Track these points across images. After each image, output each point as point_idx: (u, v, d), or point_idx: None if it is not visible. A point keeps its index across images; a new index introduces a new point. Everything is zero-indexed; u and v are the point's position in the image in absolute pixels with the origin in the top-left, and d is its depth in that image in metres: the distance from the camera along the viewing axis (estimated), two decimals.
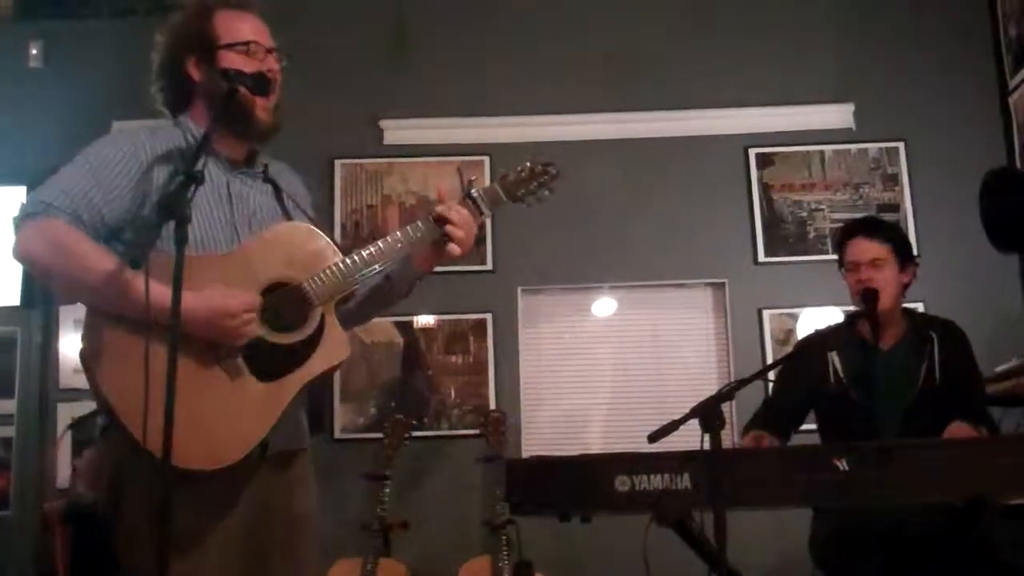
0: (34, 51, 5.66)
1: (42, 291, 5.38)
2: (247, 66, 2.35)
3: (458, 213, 2.45)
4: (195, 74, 2.41)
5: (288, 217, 2.46)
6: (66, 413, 5.14)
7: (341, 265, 2.34)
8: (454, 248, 2.42)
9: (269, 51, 2.43)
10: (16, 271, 5.47)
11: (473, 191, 2.52)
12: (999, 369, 4.28)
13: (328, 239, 2.40)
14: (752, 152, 5.54)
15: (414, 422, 5.07)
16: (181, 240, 1.96)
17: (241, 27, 2.41)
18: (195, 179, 2.02)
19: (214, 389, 2.17)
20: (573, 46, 5.65)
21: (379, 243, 2.41)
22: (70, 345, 5.32)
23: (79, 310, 2.29)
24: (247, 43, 2.39)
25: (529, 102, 5.57)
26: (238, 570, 2.26)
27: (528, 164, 2.60)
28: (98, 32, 5.69)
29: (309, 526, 2.43)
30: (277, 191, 2.49)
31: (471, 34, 5.70)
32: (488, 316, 5.39)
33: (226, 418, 2.17)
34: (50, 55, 5.70)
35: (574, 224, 5.40)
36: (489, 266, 5.43)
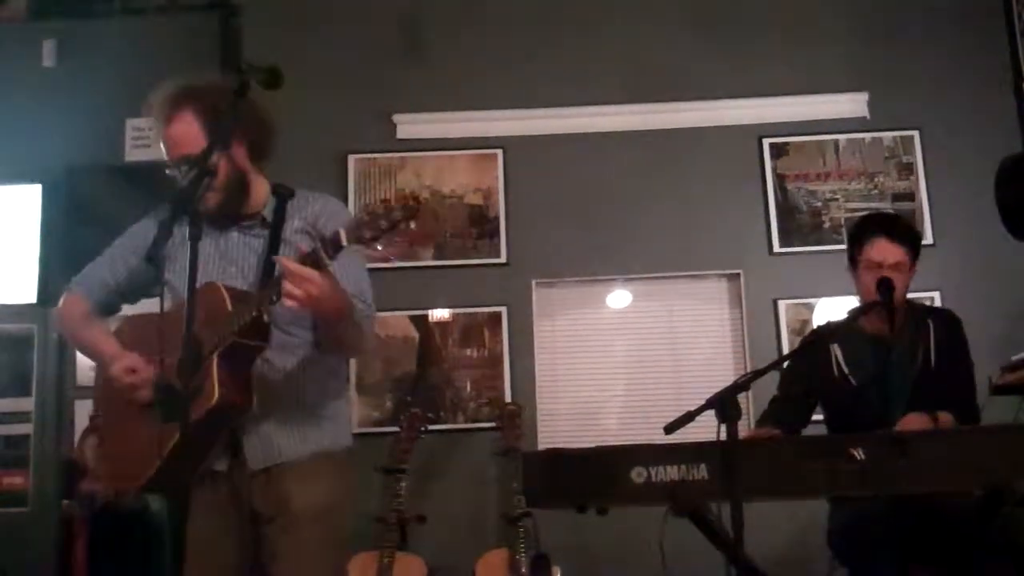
0: (48, 50, 5.68)
1: (59, 289, 5.40)
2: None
3: (294, 266, 2.30)
4: None
5: (265, 271, 2.59)
6: (83, 410, 5.16)
7: (228, 320, 2.45)
8: (287, 301, 2.30)
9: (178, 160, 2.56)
10: (32, 269, 5.50)
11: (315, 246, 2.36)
12: (1016, 358, 4.26)
13: (230, 296, 2.47)
14: (766, 142, 5.52)
15: (430, 416, 5.07)
16: (196, 236, 2.18)
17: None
18: (207, 172, 2.27)
19: (134, 423, 2.55)
20: (586, 38, 5.64)
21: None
22: None
23: None
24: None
25: (542, 95, 5.56)
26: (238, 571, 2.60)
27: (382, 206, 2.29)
28: (111, 31, 5.70)
29: (310, 523, 2.58)
30: (274, 239, 2.62)
31: (483, 27, 5.69)
32: (503, 309, 5.38)
33: (134, 449, 2.51)
34: (63, 54, 5.71)
35: (588, 216, 5.40)
36: (503, 259, 5.43)
